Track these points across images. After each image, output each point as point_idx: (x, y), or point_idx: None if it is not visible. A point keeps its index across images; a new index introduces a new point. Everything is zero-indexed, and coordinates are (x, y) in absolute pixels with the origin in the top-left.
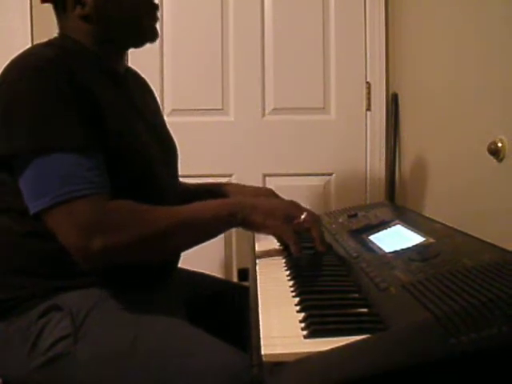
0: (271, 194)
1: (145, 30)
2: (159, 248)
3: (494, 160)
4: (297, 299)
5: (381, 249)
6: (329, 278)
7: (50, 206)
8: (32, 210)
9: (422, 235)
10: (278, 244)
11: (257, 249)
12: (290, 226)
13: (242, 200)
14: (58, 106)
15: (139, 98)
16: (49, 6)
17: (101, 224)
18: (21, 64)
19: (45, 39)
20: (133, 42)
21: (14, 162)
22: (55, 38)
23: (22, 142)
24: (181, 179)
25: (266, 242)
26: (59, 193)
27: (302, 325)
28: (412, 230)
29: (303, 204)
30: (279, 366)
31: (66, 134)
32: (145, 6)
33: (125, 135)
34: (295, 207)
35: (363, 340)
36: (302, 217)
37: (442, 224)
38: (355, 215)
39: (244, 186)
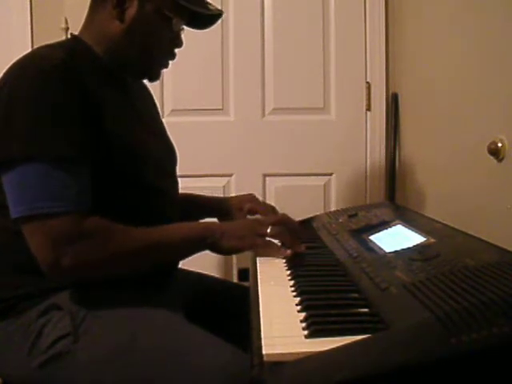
0: (253, 198)
1: (149, 71)
2: (127, 268)
3: (494, 160)
4: (297, 299)
5: (381, 249)
6: (329, 277)
7: (25, 216)
8: (12, 215)
9: (422, 235)
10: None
11: None
12: (260, 239)
13: (211, 225)
14: (51, 116)
15: (141, 103)
16: (49, 7)
17: (71, 243)
18: (26, 66)
19: (45, 39)
20: (133, 71)
21: (4, 166)
22: (67, 40)
23: (8, 147)
24: (180, 179)
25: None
26: (37, 205)
27: (303, 325)
28: (413, 230)
29: (303, 204)
30: (280, 365)
31: (53, 145)
32: (164, 52)
33: (125, 139)
34: (259, 224)
35: (364, 340)
36: (269, 231)
37: (443, 224)
38: (355, 215)
39: (226, 197)
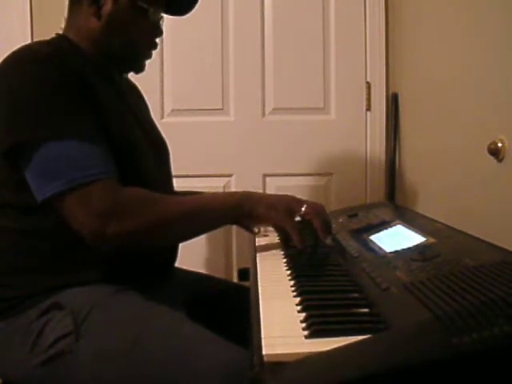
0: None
1: (134, 63)
2: (170, 234)
3: (494, 160)
4: (298, 299)
5: (382, 249)
6: (330, 277)
7: (63, 191)
8: (42, 196)
9: (422, 235)
10: (278, 239)
11: (257, 244)
12: (292, 218)
13: (247, 193)
14: (63, 95)
15: (131, 100)
16: (49, 6)
17: (116, 209)
18: (19, 57)
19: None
20: (118, 65)
21: (22, 152)
22: (52, 38)
23: (34, 129)
24: (180, 179)
25: (266, 239)
26: (74, 176)
27: (303, 325)
28: (413, 230)
29: None
30: (280, 366)
31: (76, 122)
32: (146, 43)
33: (119, 127)
34: (296, 201)
35: (364, 340)
36: (303, 209)
37: (443, 224)
38: (356, 215)
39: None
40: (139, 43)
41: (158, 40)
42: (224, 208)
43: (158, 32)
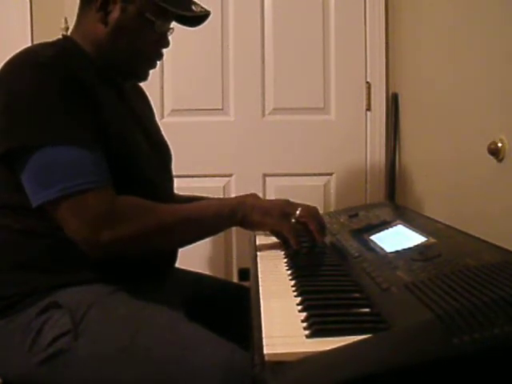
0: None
1: (137, 72)
2: (163, 242)
3: (494, 160)
4: (298, 299)
5: (382, 249)
6: (330, 277)
7: (57, 198)
8: (36, 202)
9: (423, 235)
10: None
11: (257, 242)
12: (287, 222)
13: (241, 200)
14: (62, 100)
15: (135, 103)
16: (49, 7)
17: (109, 217)
18: (21, 60)
19: (44, 39)
20: (121, 72)
21: (17, 155)
22: (58, 39)
23: (31, 134)
24: (180, 179)
25: (266, 238)
26: (68, 185)
27: (304, 324)
28: (413, 230)
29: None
30: (281, 365)
31: (73, 128)
32: (151, 54)
33: (119, 132)
34: (290, 205)
35: (365, 340)
36: (297, 213)
37: (444, 224)
38: (356, 215)
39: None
40: (144, 53)
41: (174, 50)
42: (218, 217)
43: (165, 43)
